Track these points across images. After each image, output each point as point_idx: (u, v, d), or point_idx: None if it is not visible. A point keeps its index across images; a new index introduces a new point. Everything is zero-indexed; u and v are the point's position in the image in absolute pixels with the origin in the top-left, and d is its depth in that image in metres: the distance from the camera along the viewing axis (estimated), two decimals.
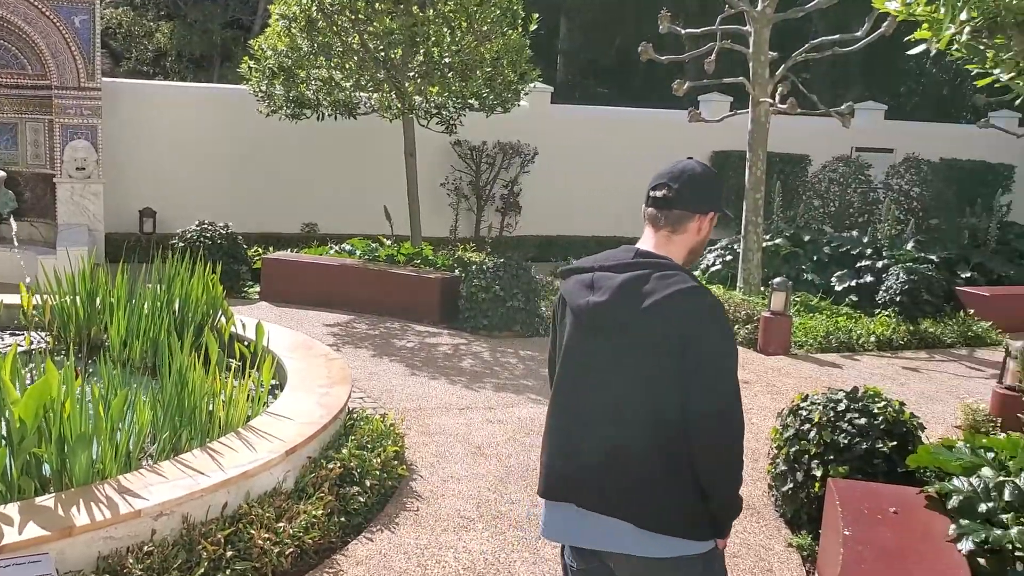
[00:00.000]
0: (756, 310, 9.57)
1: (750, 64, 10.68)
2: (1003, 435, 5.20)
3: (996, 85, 3.42)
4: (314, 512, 4.32)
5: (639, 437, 2.35)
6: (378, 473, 4.91)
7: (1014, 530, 3.54)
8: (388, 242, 11.53)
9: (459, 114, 11.50)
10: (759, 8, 10.42)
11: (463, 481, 5.22)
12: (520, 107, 14.43)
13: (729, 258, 12.02)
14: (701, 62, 11.25)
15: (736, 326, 9.44)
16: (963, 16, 2.72)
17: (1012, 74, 3.33)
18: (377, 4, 10.02)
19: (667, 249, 2.48)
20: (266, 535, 4.06)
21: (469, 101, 11.13)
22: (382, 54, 10.39)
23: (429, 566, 4.18)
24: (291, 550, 4.07)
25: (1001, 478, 3.94)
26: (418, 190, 11.60)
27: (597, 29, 28.48)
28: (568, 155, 15.27)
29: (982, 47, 3.08)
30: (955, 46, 3.06)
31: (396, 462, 5.17)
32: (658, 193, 2.51)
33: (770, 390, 7.58)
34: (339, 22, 10.24)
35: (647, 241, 2.52)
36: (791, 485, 4.80)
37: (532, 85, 12.27)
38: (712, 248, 12.54)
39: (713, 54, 10.89)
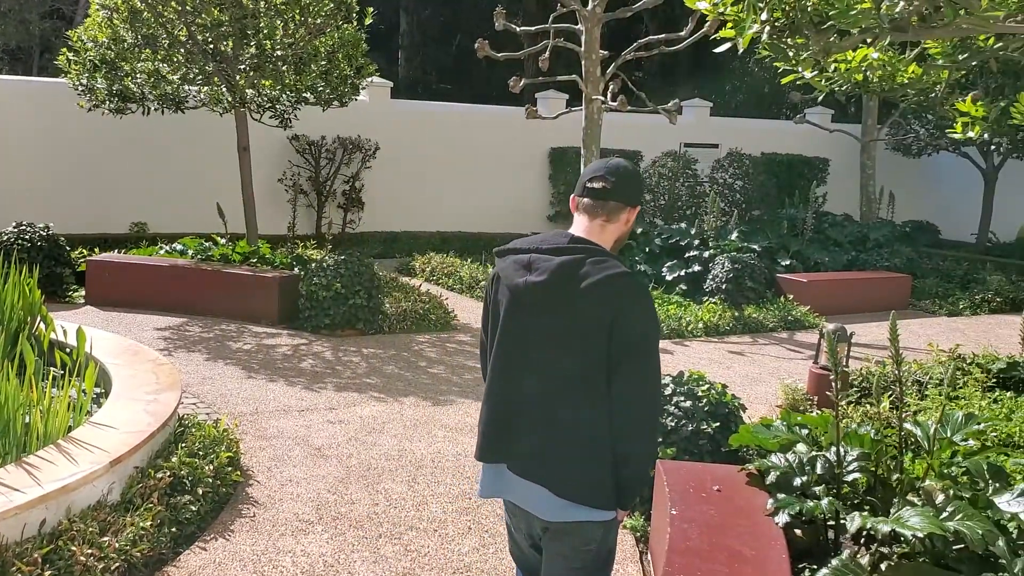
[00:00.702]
0: None
1: (582, 62, 10.94)
2: (817, 412, 5.56)
3: (799, 82, 3.63)
4: (142, 524, 4.15)
5: (567, 409, 2.56)
6: (211, 480, 4.75)
7: (824, 501, 3.79)
8: (223, 241, 11.15)
9: (294, 108, 11.25)
10: (589, 7, 10.69)
11: (302, 484, 5.13)
12: (360, 102, 14.26)
13: None
14: (539, 60, 11.43)
15: None
16: (764, 16, 2.87)
17: (813, 72, 3.55)
18: None
19: (600, 237, 2.66)
20: (89, 551, 3.86)
21: (304, 95, 10.91)
22: (211, 46, 10.03)
23: (266, 572, 4.08)
24: (117, 565, 3.89)
25: (814, 453, 4.21)
26: (253, 186, 11.27)
27: (437, 26, 28.51)
28: (411, 150, 15.22)
29: (784, 46, 3.26)
30: (761, 45, 3.22)
31: (230, 468, 5.02)
32: (596, 185, 2.66)
33: None
34: (165, 13, 9.81)
35: (579, 228, 2.69)
36: None
37: (370, 80, 12.14)
38: None
39: (547, 52, 11.09)
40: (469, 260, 13.07)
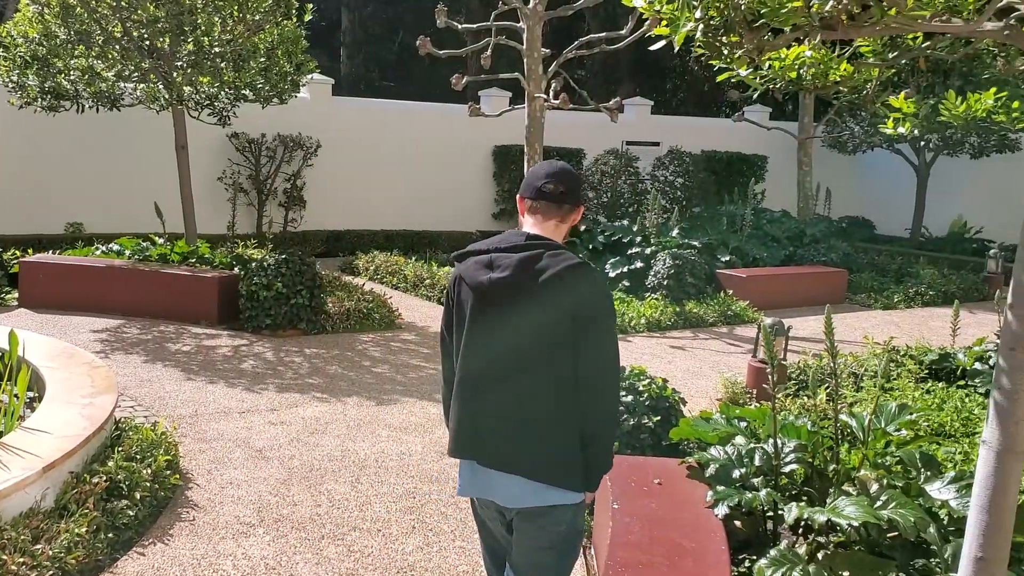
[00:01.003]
0: None
1: (524, 60, 10.96)
2: (756, 405, 5.65)
3: (734, 80, 3.69)
4: (77, 530, 4.06)
5: (535, 397, 2.69)
6: (149, 484, 4.66)
7: (763, 492, 3.86)
8: (161, 241, 10.95)
9: (233, 105, 11.08)
10: (531, 5, 10.71)
11: (243, 486, 5.06)
12: (300, 99, 14.10)
13: None
14: (481, 57, 11.43)
15: None
16: (698, 14, 2.91)
17: (748, 70, 3.60)
18: None
19: (554, 234, 2.82)
20: (21, 559, 3.77)
21: (243, 92, 10.76)
22: (147, 43, 9.83)
23: (206, 575, 4.03)
24: (51, 573, 3.81)
25: (752, 445, 4.28)
26: (191, 185, 11.08)
27: (379, 23, 28.32)
28: (353, 148, 15.10)
29: (719, 44, 3.29)
30: (696, 43, 3.25)
31: (169, 471, 4.93)
32: (550, 187, 2.80)
33: None
34: (99, 8, 9.58)
35: (534, 227, 2.82)
36: None
37: (310, 76, 12.01)
38: None
39: (489, 50, 11.09)
40: (414, 258, 13.02)
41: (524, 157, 11.34)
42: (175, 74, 10.03)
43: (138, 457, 4.90)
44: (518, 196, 2.89)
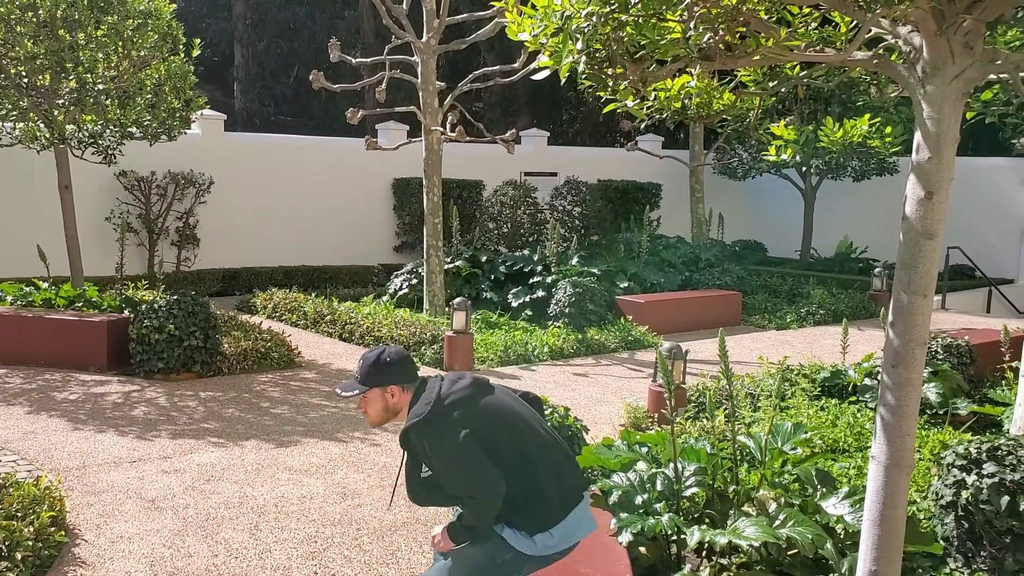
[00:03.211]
0: (441, 330, 9.81)
1: (420, 94, 10.98)
2: (657, 430, 5.71)
3: (619, 111, 3.75)
4: None
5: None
6: (32, 543, 4.41)
7: (665, 518, 3.89)
8: (45, 285, 10.47)
9: (119, 143, 10.74)
10: (424, 39, 10.75)
11: (134, 540, 4.83)
12: (191, 135, 13.81)
13: (415, 281, 12.26)
14: (376, 91, 11.39)
15: (423, 347, 9.63)
16: (579, 46, 2.94)
17: (635, 101, 3.67)
18: (18, 27, 9.11)
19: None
20: None
21: (129, 129, 10.44)
22: (26, 80, 9.46)
23: None
24: None
25: (654, 470, 4.31)
26: (77, 226, 10.67)
27: (274, 57, 28.01)
28: (248, 184, 14.82)
29: (604, 76, 3.34)
30: (581, 75, 3.29)
31: (53, 528, 4.67)
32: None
33: None
34: None
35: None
36: None
37: (200, 112, 11.75)
38: (399, 272, 12.71)
39: (383, 83, 11.07)
40: (314, 294, 12.81)
41: (423, 189, 11.32)
42: (56, 112, 9.68)
43: (19, 515, 4.63)
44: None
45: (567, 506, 3.19)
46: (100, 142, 10.59)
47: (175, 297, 8.76)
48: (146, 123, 10.38)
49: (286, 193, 15.22)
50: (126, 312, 9.46)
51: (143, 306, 8.84)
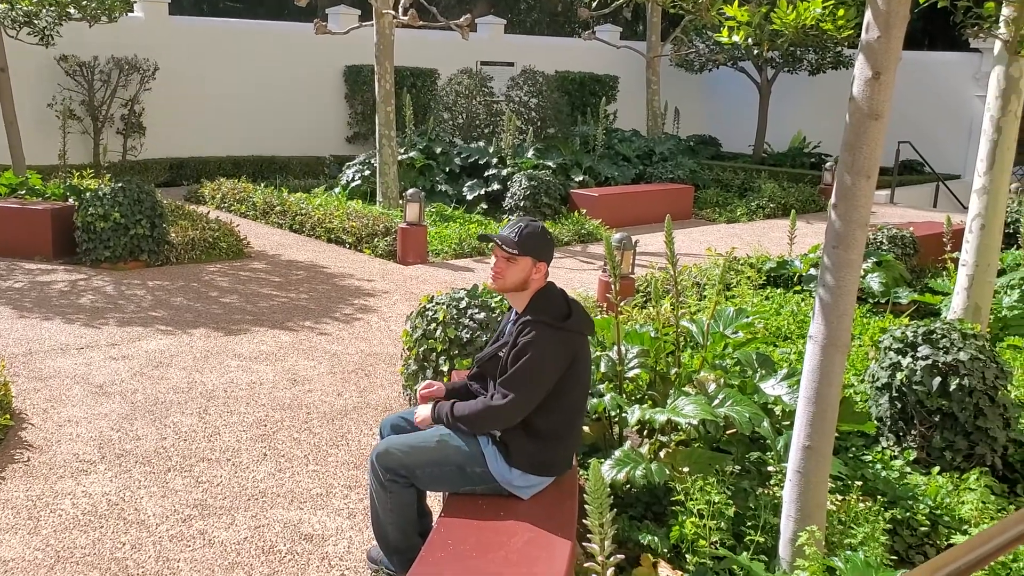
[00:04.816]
0: (394, 222, 9.74)
1: None
2: (603, 316, 5.78)
3: None
4: None
5: None
6: None
7: (607, 397, 3.97)
8: None
9: (56, 23, 10.29)
10: None
11: (82, 424, 4.83)
12: (134, 18, 13.29)
13: (368, 173, 12.07)
14: None
15: (375, 239, 9.56)
16: None
17: None
18: None
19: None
20: None
21: (67, 9, 9.99)
22: None
23: (42, 517, 3.84)
24: None
25: (598, 353, 4.38)
26: (17, 112, 10.29)
27: None
28: (195, 71, 14.33)
29: None
30: None
31: None
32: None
33: (408, 298, 7.79)
34: None
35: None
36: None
37: None
38: (351, 163, 12.51)
39: None
40: (263, 184, 12.59)
41: (375, 77, 11.05)
42: None
43: None
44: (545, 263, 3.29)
45: (561, 468, 3.29)
46: (36, 22, 10.13)
47: (120, 185, 8.55)
48: (84, 3, 9.94)
49: (234, 81, 14.77)
50: (70, 200, 9.24)
51: (88, 194, 8.63)
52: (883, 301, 7.12)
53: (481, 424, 3.18)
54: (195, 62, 14.32)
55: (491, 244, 3.28)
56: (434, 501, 3.80)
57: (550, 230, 10.35)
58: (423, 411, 3.37)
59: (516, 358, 3.14)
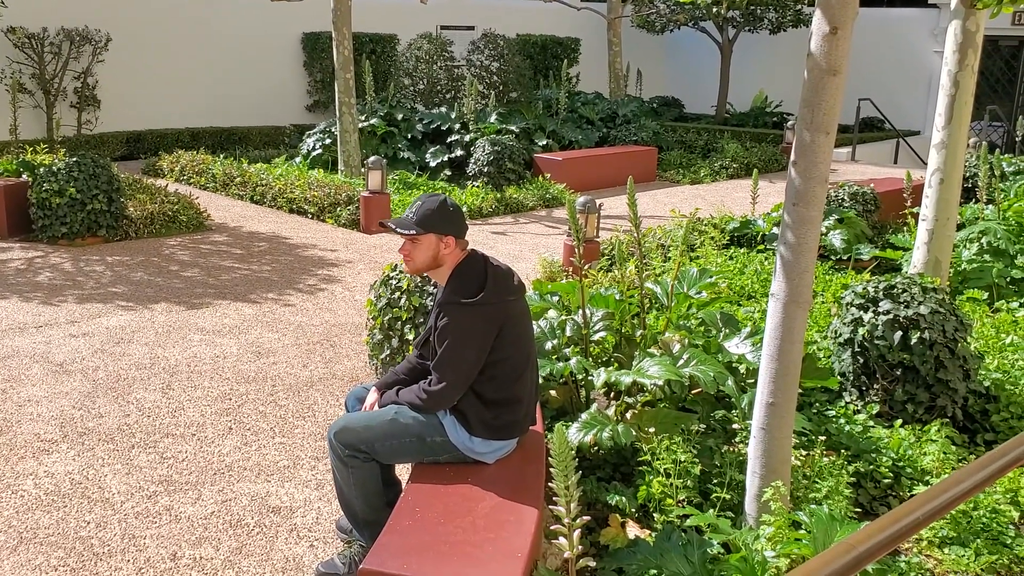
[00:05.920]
0: (357, 191, 9.64)
1: None
2: (569, 280, 5.77)
3: None
4: None
5: None
6: None
7: (573, 360, 3.96)
8: None
9: None
10: None
11: (43, 403, 4.76)
12: None
13: (328, 142, 11.93)
14: None
15: (338, 208, 9.47)
16: None
17: None
18: None
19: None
20: None
21: None
22: None
23: (3, 498, 3.78)
24: None
25: (563, 317, 4.37)
26: None
27: None
28: (149, 41, 14.02)
29: None
30: None
31: None
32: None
33: (372, 267, 7.73)
34: None
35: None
36: (388, 352, 4.97)
37: None
38: (311, 132, 12.34)
39: None
40: (223, 156, 12.40)
41: (333, 43, 10.88)
42: None
43: None
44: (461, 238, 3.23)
45: (523, 428, 3.28)
46: None
47: (75, 159, 8.38)
48: None
49: (190, 50, 14.48)
50: (24, 176, 9.04)
51: (41, 169, 8.44)
52: (845, 258, 7.18)
53: (425, 408, 3.19)
54: (149, 32, 14.02)
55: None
56: (402, 469, 3.79)
57: (513, 195, 10.37)
58: (371, 399, 3.38)
59: (439, 342, 3.15)
